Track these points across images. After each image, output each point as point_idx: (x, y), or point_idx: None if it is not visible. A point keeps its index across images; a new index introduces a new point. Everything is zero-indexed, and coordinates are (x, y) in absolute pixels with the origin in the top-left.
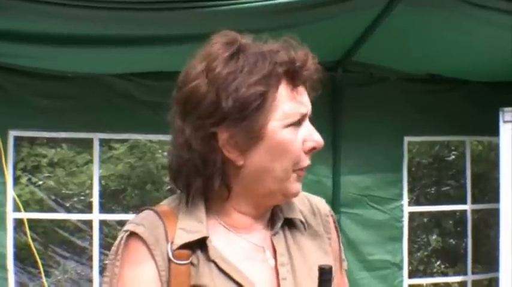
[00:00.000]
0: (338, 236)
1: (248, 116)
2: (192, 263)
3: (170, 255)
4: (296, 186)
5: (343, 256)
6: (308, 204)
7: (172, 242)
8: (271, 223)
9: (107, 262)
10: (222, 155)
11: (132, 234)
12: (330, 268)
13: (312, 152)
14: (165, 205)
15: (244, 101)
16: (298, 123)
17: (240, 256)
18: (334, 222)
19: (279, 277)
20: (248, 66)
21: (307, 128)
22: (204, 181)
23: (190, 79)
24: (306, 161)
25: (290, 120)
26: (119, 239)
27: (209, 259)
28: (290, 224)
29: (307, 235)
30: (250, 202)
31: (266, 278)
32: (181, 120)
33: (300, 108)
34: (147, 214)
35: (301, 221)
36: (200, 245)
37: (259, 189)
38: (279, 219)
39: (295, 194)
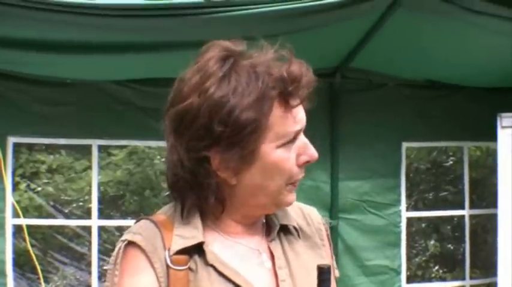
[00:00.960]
0: (330, 245)
1: (241, 140)
2: (190, 269)
3: (168, 261)
4: (289, 197)
5: (335, 265)
6: (301, 213)
7: (169, 249)
8: (266, 229)
9: (106, 268)
10: (217, 179)
11: (130, 243)
12: (329, 268)
13: (306, 165)
14: (161, 214)
15: (237, 126)
16: (292, 141)
17: (237, 260)
18: (326, 230)
19: (278, 279)
20: (241, 87)
21: (302, 141)
22: (198, 198)
23: (183, 96)
24: (299, 175)
25: (283, 141)
26: (117, 248)
27: (207, 264)
28: (285, 230)
29: (302, 242)
30: (243, 213)
31: (264, 281)
32: (174, 138)
33: (294, 127)
34: (143, 223)
35: (295, 228)
36: (197, 250)
37: (253, 203)
38: (274, 226)
39: (289, 204)
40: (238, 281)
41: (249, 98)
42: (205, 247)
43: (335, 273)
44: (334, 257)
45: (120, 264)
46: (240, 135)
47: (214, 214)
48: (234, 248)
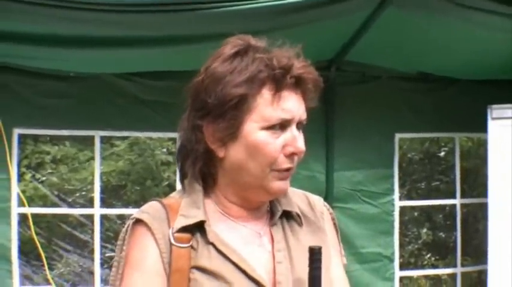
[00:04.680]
0: (336, 232)
1: (226, 113)
2: (192, 247)
3: (171, 239)
4: (277, 184)
5: (343, 252)
6: (306, 200)
7: (173, 228)
8: (270, 216)
9: (118, 242)
10: (205, 145)
11: (138, 221)
12: (320, 248)
13: (293, 157)
14: (171, 197)
15: (224, 98)
16: (279, 128)
17: (238, 240)
18: (332, 219)
19: (275, 260)
20: (240, 67)
21: (291, 133)
22: (191, 165)
23: (198, 74)
24: (284, 164)
25: (267, 124)
26: (126, 226)
27: (208, 242)
28: (288, 216)
29: (305, 227)
30: (236, 194)
31: (262, 261)
32: (187, 111)
33: (281, 114)
34: (152, 204)
35: (298, 215)
36: (200, 229)
37: (239, 182)
38: (277, 211)
39: (278, 192)
40: (234, 259)
41: (242, 77)
42: (206, 226)
43: (343, 260)
44: (341, 245)
45: (128, 239)
46: (225, 107)
47: (210, 185)
48: (237, 230)
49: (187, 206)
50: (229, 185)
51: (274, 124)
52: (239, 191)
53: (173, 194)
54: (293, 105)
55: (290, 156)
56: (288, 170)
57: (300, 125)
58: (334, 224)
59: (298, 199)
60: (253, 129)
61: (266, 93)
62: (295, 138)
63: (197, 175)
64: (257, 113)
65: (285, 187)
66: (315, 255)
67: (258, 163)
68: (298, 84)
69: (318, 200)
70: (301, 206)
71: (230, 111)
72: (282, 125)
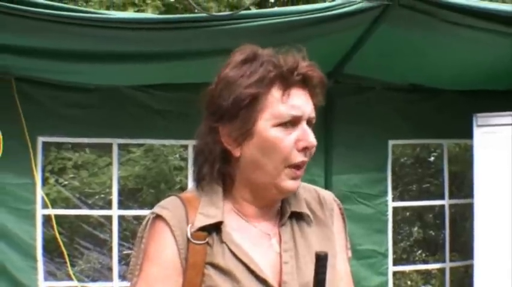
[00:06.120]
0: (344, 227)
1: (240, 113)
2: (208, 243)
3: (189, 236)
4: (289, 183)
5: (349, 245)
6: (316, 196)
7: (192, 225)
8: (280, 216)
9: (138, 235)
10: (222, 146)
11: (158, 216)
12: (326, 254)
13: (305, 151)
14: (189, 192)
15: (237, 99)
16: (290, 124)
17: (249, 240)
18: (342, 214)
19: (282, 260)
20: (249, 71)
21: (302, 129)
22: (209, 167)
23: (212, 83)
24: (297, 158)
25: (279, 121)
26: (146, 220)
27: (222, 241)
28: (298, 217)
29: (314, 226)
30: (250, 192)
31: (270, 261)
32: (204, 117)
33: (291, 111)
34: (172, 199)
35: (308, 215)
36: (216, 228)
37: (254, 180)
38: (286, 212)
39: (289, 191)
40: (244, 259)
41: (253, 78)
42: (222, 227)
43: (348, 253)
44: (348, 239)
45: (147, 234)
46: (239, 108)
47: (228, 185)
48: (247, 230)
49: (207, 205)
50: (245, 184)
51: (285, 121)
52: (254, 189)
53: (190, 189)
54: (302, 102)
55: (303, 151)
56: (300, 166)
57: (309, 123)
58: (343, 218)
59: (308, 195)
60: (266, 127)
61: (276, 91)
62: (307, 134)
63: (216, 176)
64: (269, 111)
65: (295, 187)
66: (320, 261)
67: (271, 159)
68: (305, 82)
69: (328, 196)
70: (310, 203)
71: (243, 111)
72: (293, 122)
